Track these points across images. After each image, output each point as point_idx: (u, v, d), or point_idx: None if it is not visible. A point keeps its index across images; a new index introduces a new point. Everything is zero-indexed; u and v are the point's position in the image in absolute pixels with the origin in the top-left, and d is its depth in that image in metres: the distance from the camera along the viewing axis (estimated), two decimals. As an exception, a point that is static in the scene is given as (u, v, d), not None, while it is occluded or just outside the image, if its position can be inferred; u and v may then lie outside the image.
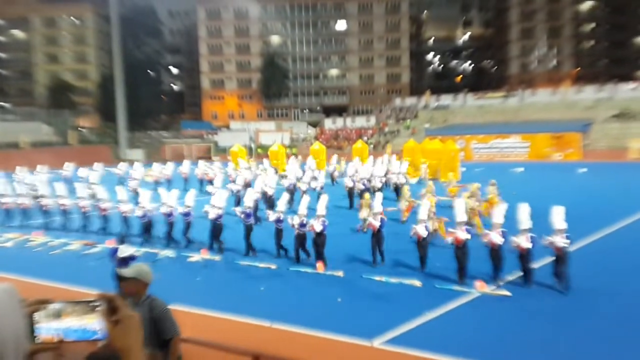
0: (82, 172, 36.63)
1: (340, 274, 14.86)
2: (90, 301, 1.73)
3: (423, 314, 11.53)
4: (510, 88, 71.80)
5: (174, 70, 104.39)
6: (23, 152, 59.91)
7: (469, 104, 68.13)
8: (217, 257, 17.20)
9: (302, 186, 25.44)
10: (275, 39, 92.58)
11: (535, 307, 11.99)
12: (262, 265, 16.08)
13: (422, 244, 15.15)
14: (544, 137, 51.57)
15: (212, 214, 18.11)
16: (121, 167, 39.15)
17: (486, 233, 14.09)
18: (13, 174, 34.99)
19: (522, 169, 38.22)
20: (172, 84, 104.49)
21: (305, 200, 17.62)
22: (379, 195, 17.97)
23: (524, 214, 13.87)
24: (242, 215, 17.82)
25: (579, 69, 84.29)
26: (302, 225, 16.05)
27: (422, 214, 15.68)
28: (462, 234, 13.84)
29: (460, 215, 14.40)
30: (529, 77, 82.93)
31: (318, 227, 15.53)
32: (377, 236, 15.76)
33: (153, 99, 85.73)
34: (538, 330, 10.69)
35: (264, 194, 24.32)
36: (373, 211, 16.47)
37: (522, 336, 10.41)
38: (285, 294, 13.70)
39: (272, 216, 17.38)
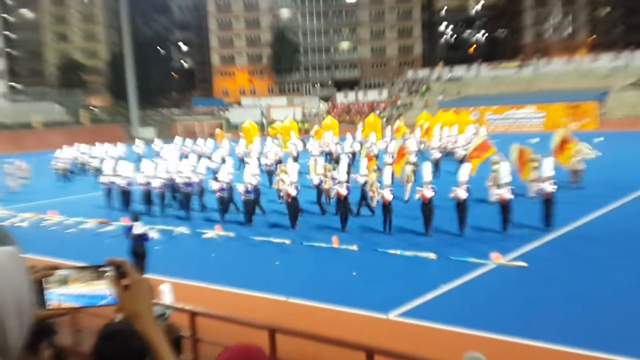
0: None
1: (354, 247, 14.82)
2: (99, 267, 1.70)
3: (438, 286, 11.46)
4: (525, 57, 70.62)
5: (184, 47, 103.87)
6: (36, 132, 60.22)
7: (482, 75, 67.22)
8: (231, 233, 17.22)
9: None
10: (284, 13, 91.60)
11: (551, 278, 11.89)
12: (276, 240, 16.08)
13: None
14: (559, 106, 50.84)
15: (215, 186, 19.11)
16: (139, 145, 39.27)
17: (454, 189, 15.78)
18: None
19: (537, 139, 37.76)
20: (182, 61, 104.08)
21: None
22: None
23: (505, 171, 16.10)
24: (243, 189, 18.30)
25: (594, 36, 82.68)
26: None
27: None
28: (428, 192, 15.54)
29: (427, 176, 16.25)
30: (543, 46, 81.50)
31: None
32: (427, 206, 15.67)
33: (163, 77, 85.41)
34: (553, 301, 10.59)
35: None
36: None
37: (537, 307, 10.32)
38: (300, 269, 13.70)
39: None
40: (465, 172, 16.22)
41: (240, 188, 18.58)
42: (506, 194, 15.43)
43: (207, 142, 36.29)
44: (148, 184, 21.01)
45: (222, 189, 18.93)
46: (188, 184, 20.18)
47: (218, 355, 2.00)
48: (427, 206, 15.67)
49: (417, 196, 16.17)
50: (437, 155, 26.26)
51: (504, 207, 15.42)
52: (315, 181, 19.72)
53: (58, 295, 1.69)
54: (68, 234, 18.63)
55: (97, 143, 39.02)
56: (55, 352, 2.52)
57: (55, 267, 1.70)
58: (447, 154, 28.17)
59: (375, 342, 6.97)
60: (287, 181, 18.00)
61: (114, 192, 22.57)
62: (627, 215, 17.28)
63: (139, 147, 38.84)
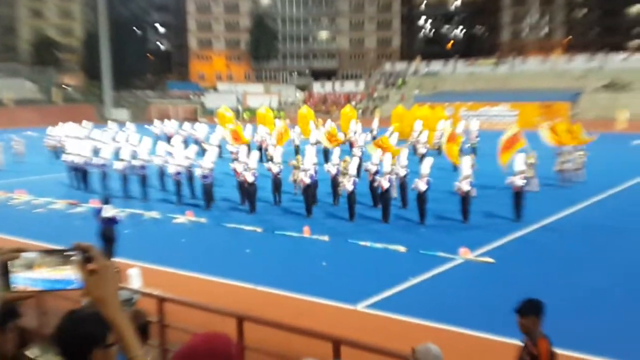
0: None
1: (325, 238, 14.87)
2: (65, 250, 1.70)
3: (407, 279, 11.58)
4: (501, 55, 71.30)
5: (161, 29, 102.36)
6: (6, 109, 58.93)
7: (459, 71, 67.70)
8: (202, 219, 17.15)
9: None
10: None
11: (518, 274, 12.10)
12: (248, 228, 16.05)
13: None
14: (532, 105, 51.44)
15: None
16: (111, 127, 38.61)
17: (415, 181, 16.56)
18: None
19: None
20: (158, 43, 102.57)
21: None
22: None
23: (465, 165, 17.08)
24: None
25: (570, 37, 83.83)
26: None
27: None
28: (385, 183, 16.45)
29: (387, 167, 16.99)
30: (520, 44, 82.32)
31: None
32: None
33: (139, 58, 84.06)
34: (519, 297, 10.77)
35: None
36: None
37: (503, 302, 10.48)
38: (270, 257, 13.71)
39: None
40: (427, 165, 17.06)
41: (197, 172, 19.01)
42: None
43: (201, 126, 35.54)
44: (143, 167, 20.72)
45: (204, 176, 18.81)
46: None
47: (185, 342, 2.01)
48: (384, 195, 16.70)
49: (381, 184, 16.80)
50: (422, 150, 26.55)
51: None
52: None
53: (24, 279, 1.69)
54: (36, 214, 18.33)
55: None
56: (19, 334, 2.51)
57: (21, 250, 1.70)
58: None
59: (343, 333, 7.03)
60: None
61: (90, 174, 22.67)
62: (596, 214, 17.69)
63: (111, 128, 38.30)
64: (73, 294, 1.81)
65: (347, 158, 19.55)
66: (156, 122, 38.68)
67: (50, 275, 1.69)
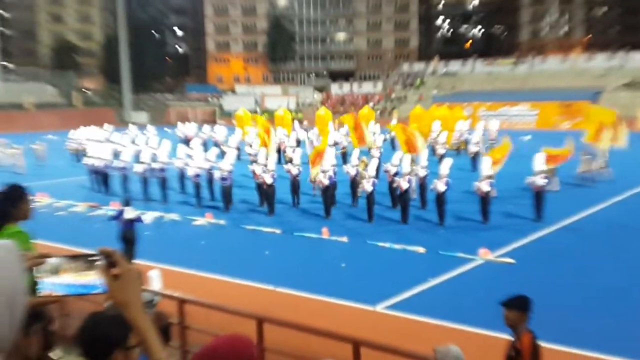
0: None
1: (344, 239, 14.86)
2: (89, 255, 1.73)
3: (426, 280, 11.53)
4: (520, 55, 70.63)
5: (179, 32, 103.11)
6: (27, 113, 59.72)
7: (477, 71, 67.20)
8: (222, 221, 17.22)
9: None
10: (281, 1, 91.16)
11: (538, 275, 11.98)
12: (267, 229, 16.09)
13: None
14: (552, 105, 50.94)
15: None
16: (132, 130, 38.99)
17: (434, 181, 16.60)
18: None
19: (529, 137, 37.96)
20: (176, 46, 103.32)
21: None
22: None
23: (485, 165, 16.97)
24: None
25: (590, 36, 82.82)
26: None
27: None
28: (405, 184, 16.40)
29: (406, 167, 16.99)
30: (539, 43, 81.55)
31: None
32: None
33: (157, 61, 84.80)
34: (540, 298, 10.67)
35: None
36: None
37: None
38: (289, 259, 13.73)
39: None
40: (446, 166, 16.95)
41: (216, 175, 19.11)
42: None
43: (220, 128, 35.65)
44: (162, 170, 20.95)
45: (223, 179, 18.93)
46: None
47: (207, 344, 2.02)
48: (403, 196, 16.63)
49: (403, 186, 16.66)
50: (441, 150, 26.43)
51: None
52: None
53: (49, 284, 1.72)
54: (57, 217, 18.55)
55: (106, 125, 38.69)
56: (45, 337, 2.55)
57: (46, 256, 1.73)
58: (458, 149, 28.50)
59: (363, 334, 7.02)
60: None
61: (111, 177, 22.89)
62: (619, 213, 17.48)
63: (132, 131, 38.70)
64: (96, 297, 1.84)
65: (365, 159, 19.54)
66: (179, 124, 38.93)
67: (75, 280, 1.72)
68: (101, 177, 23.01)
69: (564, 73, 59.64)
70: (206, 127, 35.79)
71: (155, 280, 10.89)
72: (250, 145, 26.89)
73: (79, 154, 31.17)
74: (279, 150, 27.66)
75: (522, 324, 5.20)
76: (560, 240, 14.72)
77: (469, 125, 33.00)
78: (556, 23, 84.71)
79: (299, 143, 29.16)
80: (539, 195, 16.42)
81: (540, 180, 16.46)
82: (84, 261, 1.73)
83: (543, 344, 8.45)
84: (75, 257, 1.73)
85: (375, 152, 23.92)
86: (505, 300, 5.31)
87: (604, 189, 20.69)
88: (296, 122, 36.83)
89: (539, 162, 17.05)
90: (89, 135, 33.55)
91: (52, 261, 1.72)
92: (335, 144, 26.57)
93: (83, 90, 73.18)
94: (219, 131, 33.86)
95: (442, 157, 23.35)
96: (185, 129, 36.84)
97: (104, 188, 22.70)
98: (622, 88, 54.56)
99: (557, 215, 16.46)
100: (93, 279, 1.72)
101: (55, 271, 1.71)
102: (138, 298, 1.78)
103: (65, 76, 70.46)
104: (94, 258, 1.73)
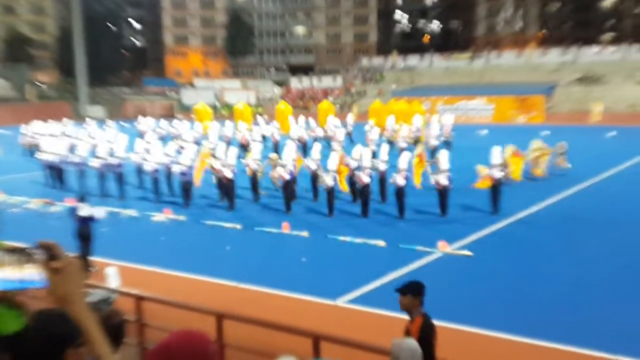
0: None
1: (305, 234, 14.88)
2: (28, 249, 1.67)
3: (386, 274, 11.64)
4: (476, 50, 71.86)
5: (136, 25, 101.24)
6: (-22, 107, 57.77)
7: (435, 65, 68.05)
8: (181, 217, 17.03)
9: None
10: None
11: (495, 267, 12.24)
12: (227, 225, 15.99)
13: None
14: (508, 99, 51.94)
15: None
16: (89, 124, 38.11)
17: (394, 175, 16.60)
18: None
19: (486, 132, 38.64)
20: (133, 39, 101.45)
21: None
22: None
23: (444, 158, 17.14)
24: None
25: (544, 31, 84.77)
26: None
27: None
28: (365, 178, 16.48)
29: (366, 162, 17.07)
30: (495, 38, 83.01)
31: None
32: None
33: (114, 54, 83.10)
34: (497, 289, 10.92)
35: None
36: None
37: (482, 295, 10.62)
38: (250, 254, 13.68)
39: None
40: (404, 160, 17.11)
41: (176, 170, 18.79)
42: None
43: (181, 123, 35.15)
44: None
45: (183, 174, 18.67)
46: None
47: (161, 340, 1.99)
48: (364, 190, 16.70)
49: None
50: (402, 144, 26.66)
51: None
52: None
53: None
54: (11, 214, 18.03)
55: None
56: None
57: None
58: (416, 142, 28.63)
59: (324, 329, 7.04)
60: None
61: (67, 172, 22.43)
62: (573, 205, 17.95)
63: (89, 126, 37.85)
64: (39, 292, 1.77)
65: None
66: (140, 118, 38.27)
67: (13, 274, 1.65)
68: (56, 172, 22.47)
69: (519, 68, 60.91)
70: (164, 122, 35.30)
71: (112, 278, 10.72)
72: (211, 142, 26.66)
73: (33, 149, 30.37)
74: (241, 145, 27.51)
75: (416, 308, 5.59)
76: (516, 232, 15.06)
77: (426, 119, 33.51)
78: (511, 18, 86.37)
79: (264, 138, 29.17)
80: (495, 189, 16.73)
81: (497, 173, 16.76)
82: (23, 254, 1.66)
83: (500, 334, 8.66)
84: (12, 251, 1.66)
85: (337, 146, 24.02)
86: (400, 287, 5.67)
87: (558, 181, 21.23)
88: (260, 118, 36.68)
89: (496, 155, 17.37)
90: (43, 130, 32.70)
91: None
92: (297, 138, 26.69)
93: (37, 83, 71.18)
94: (180, 126, 33.46)
95: (402, 150, 23.53)
96: (146, 122, 36.35)
97: (59, 184, 22.20)
98: (575, 82, 56.02)
99: (513, 208, 16.83)
100: (32, 272, 1.66)
101: None
102: (80, 292, 1.73)
103: (17, 69, 68.37)
104: (33, 251, 1.67)
